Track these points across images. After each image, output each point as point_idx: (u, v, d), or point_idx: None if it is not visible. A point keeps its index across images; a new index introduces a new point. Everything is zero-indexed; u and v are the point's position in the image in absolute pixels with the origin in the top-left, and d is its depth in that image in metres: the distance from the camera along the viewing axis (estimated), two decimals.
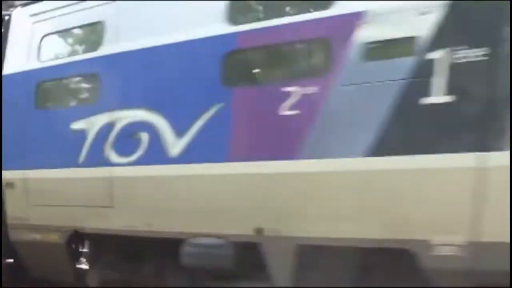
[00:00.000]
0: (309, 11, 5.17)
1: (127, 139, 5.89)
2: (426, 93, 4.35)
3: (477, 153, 4.16)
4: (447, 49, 4.28)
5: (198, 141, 5.42)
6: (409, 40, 4.47)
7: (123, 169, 5.94)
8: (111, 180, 6.05)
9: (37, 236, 6.76)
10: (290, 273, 5.12)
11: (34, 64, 6.83)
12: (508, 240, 4.04)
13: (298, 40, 5.30)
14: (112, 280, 6.59)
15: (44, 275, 7.22)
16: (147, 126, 5.74)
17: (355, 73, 4.68)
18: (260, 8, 5.87)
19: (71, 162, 6.29)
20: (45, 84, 6.87)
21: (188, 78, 5.64)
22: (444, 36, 4.32)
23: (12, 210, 6.96)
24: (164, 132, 5.63)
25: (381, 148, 4.52)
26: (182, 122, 5.51)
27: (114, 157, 5.98)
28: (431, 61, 4.34)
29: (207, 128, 5.37)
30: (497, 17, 4.21)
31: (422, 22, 4.39)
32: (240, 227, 5.30)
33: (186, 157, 5.51)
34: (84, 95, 7.03)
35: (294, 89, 4.90)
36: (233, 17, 5.44)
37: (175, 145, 5.55)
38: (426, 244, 4.39)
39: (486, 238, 4.20)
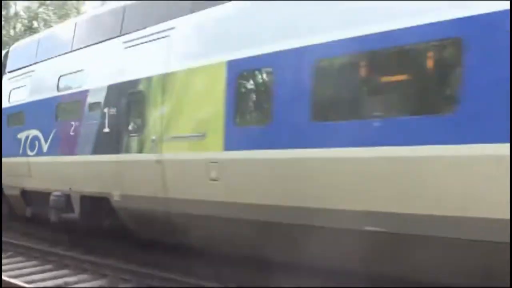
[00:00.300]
0: None
1: (32, 143, 11.49)
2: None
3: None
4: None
5: (51, 145, 10.86)
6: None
7: (32, 158, 11.51)
8: (29, 162, 11.55)
9: (13, 191, 12.36)
10: None
11: (6, 104, 12.75)
12: None
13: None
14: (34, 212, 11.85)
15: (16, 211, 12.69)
16: (38, 137, 11.25)
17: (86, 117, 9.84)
18: None
19: (16, 153, 11.97)
20: (10, 115, 12.67)
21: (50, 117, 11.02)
22: None
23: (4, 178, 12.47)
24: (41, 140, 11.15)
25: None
26: (46, 137, 11.00)
27: (28, 151, 11.55)
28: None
29: (54, 139, 10.73)
30: None
31: None
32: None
33: (49, 152, 10.92)
34: (20, 121, 12.25)
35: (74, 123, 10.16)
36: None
37: (45, 147, 11.01)
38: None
39: None
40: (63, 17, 38.18)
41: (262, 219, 6.51)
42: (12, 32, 40.90)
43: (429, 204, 5.06)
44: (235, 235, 7.12)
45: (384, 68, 5.72)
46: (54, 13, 39.21)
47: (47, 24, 37.16)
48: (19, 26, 41.30)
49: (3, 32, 40.76)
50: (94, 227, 9.71)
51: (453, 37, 5.01)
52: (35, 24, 38.98)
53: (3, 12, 42.17)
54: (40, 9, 40.18)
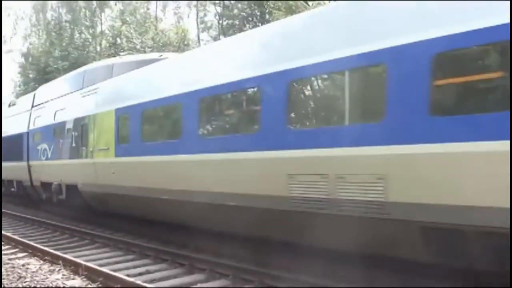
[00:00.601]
0: None
1: (43, 152, 16.16)
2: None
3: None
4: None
5: (51, 153, 15.50)
6: None
7: (43, 161, 16.19)
8: (42, 164, 16.33)
9: (36, 182, 16.90)
10: None
11: (31, 127, 17.66)
12: None
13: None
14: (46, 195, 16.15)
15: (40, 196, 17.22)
16: (46, 149, 15.90)
17: (65, 137, 14.68)
18: None
19: (37, 159, 16.54)
20: (33, 135, 17.46)
21: (51, 136, 15.97)
22: None
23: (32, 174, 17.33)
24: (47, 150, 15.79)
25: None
26: (49, 148, 15.69)
27: (42, 157, 16.29)
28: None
29: (53, 150, 15.36)
30: None
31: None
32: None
33: (50, 158, 15.52)
34: (38, 138, 16.96)
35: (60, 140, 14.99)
36: None
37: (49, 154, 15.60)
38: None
39: None
40: (142, 33, 39.56)
41: (137, 195, 10.93)
42: (98, 48, 42.86)
43: None
44: (125, 203, 11.81)
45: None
46: (135, 31, 40.58)
47: (129, 40, 38.54)
48: (104, 42, 43.20)
49: (90, 48, 42.97)
50: (72, 202, 14.30)
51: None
52: (118, 40, 40.51)
53: (90, 31, 44.50)
54: (123, 28, 41.75)
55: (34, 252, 9.96)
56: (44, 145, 16.01)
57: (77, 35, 43.34)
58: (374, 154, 6.03)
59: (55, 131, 15.30)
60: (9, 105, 22.71)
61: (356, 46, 6.41)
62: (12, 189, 19.24)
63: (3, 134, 19.27)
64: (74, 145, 13.86)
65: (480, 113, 5.30)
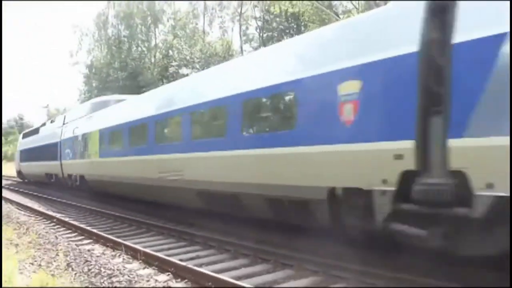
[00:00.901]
0: None
1: (68, 155, 21.29)
2: None
3: None
4: None
5: (72, 155, 20.71)
6: None
7: (67, 161, 21.53)
8: (67, 163, 21.59)
9: (66, 175, 22.21)
10: None
11: (62, 138, 22.74)
12: None
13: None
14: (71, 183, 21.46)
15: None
16: (68, 152, 21.22)
17: (76, 145, 20.31)
18: None
19: (67, 159, 21.76)
20: (63, 143, 22.66)
21: (72, 144, 21.08)
22: None
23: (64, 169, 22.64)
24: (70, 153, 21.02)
25: None
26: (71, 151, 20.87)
27: (67, 158, 21.40)
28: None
29: (73, 152, 20.71)
30: None
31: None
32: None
33: (72, 158, 20.80)
34: (66, 146, 21.86)
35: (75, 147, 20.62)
36: None
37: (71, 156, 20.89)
38: None
39: None
40: (192, 46, 40.00)
41: (113, 180, 15.71)
42: (152, 59, 43.55)
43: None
44: (109, 186, 16.96)
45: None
46: (185, 43, 41.08)
47: (179, 52, 39.02)
48: (158, 54, 43.89)
49: (146, 59, 43.71)
50: (84, 187, 19.40)
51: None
52: (170, 52, 41.10)
53: (146, 44, 45.25)
54: (174, 41, 42.33)
55: (98, 239, 10.13)
56: (68, 150, 21.13)
57: (134, 48, 44.24)
58: None
59: (73, 141, 20.44)
60: (51, 121, 27.53)
61: None
62: (52, 180, 25.02)
63: (47, 142, 25.37)
64: (82, 150, 19.05)
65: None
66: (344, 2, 31.83)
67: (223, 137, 9.51)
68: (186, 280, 6.67)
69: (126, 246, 8.83)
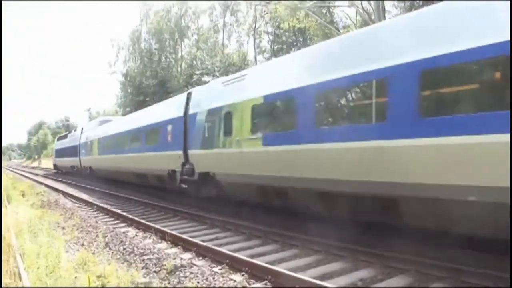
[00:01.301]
0: None
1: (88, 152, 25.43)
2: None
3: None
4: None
5: (83, 153, 26.73)
6: None
7: (82, 157, 26.98)
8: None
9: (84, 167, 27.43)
10: None
11: (81, 140, 28.03)
12: None
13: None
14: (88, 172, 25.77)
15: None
16: (83, 151, 26.50)
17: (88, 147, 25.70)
18: None
19: (85, 155, 26.26)
20: (83, 146, 27.44)
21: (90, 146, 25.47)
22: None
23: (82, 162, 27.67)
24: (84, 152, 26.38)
25: None
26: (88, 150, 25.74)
27: (82, 155, 27.15)
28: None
29: (83, 152, 26.87)
30: None
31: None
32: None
33: (82, 155, 26.98)
34: (88, 147, 25.95)
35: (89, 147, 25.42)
36: None
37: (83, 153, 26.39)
38: None
39: None
40: (213, 57, 40.04)
41: (112, 170, 20.05)
42: (179, 69, 43.68)
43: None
44: (105, 173, 22.21)
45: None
46: (207, 55, 41.18)
47: (202, 62, 39.10)
48: (183, 64, 44.04)
49: (173, 69, 43.87)
50: (92, 174, 24.16)
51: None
52: (194, 63, 41.15)
53: (173, 56, 45.39)
54: (197, 53, 42.42)
55: (131, 223, 10.20)
56: (83, 150, 26.30)
57: (163, 59, 44.43)
58: None
59: (86, 144, 25.65)
60: (74, 130, 33.54)
61: None
62: (74, 169, 29.89)
63: (72, 144, 30.43)
64: (89, 150, 24.45)
65: None
66: (344, 19, 31.68)
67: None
68: (206, 258, 6.71)
69: (155, 229, 8.89)
